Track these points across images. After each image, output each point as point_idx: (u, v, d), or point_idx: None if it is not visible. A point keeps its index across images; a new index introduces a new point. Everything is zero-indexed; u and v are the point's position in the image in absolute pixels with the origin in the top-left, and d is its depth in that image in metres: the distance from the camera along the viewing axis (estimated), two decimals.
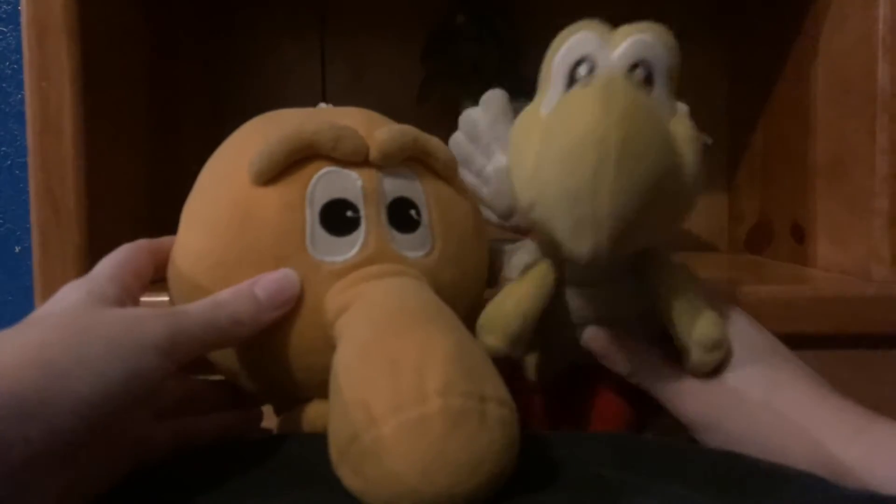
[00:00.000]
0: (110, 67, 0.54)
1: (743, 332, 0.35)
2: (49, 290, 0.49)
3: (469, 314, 0.35)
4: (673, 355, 0.35)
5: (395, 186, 0.34)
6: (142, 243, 0.35)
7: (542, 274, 0.35)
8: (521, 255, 0.39)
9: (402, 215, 0.34)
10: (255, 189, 0.33)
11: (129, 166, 0.57)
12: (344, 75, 0.81)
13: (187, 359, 0.30)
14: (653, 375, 0.35)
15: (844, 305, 0.48)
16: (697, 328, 0.33)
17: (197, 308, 0.30)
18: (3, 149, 0.75)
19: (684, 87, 0.34)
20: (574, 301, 0.36)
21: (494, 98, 0.42)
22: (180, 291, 0.35)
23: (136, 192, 0.57)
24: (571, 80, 0.33)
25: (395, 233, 0.34)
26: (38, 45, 0.48)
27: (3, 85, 0.76)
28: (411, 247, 0.34)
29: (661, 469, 0.29)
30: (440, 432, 0.24)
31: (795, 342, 0.46)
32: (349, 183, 0.33)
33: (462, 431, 0.24)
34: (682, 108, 0.34)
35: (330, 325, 0.31)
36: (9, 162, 0.75)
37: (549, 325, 0.36)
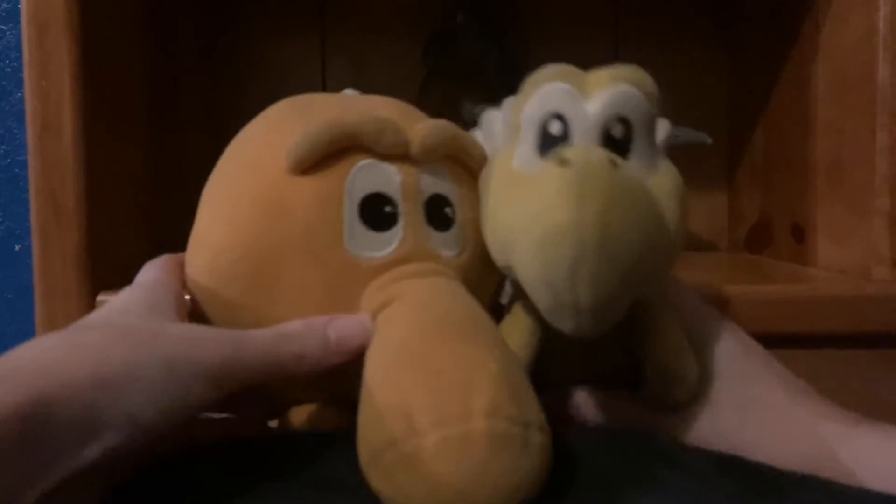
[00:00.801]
0: (110, 66, 0.53)
1: (715, 346, 0.34)
2: (48, 289, 0.49)
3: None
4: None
5: (431, 183, 0.33)
6: (172, 257, 0.34)
7: (528, 327, 0.33)
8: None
9: (437, 213, 0.33)
10: (289, 179, 0.31)
11: (130, 165, 0.57)
12: (344, 74, 0.81)
13: (241, 389, 0.28)
14: (624, 421, 0.35)
15: (844, 305, 0.48)
16: (673, 368, 0.32)
17: (260, 337, 0.29)
18: (3, 147, 0.75)
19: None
20: (555, 344, 0.35)
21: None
22: (199, 291, 0.33)
23: (136, 190, 0.57)
24: (544, 135, 0.32)
25: (431, 231, 0.33)
26: (38, 43, 0.48)
27: (3, 83, 0.76)
28: (445, 245, 0.33)
29: (664, 465, 0.29)
30: (484, 453, 0.24)
31: (795, 342, 0.47)
32: (388, 177, 0.32)
33: (505, 456, 0.24)
34: (658, 133, 0.32)
35: None
36: (8, 160, 0.75)
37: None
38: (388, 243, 0.32)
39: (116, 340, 0.26)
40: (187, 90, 0.70)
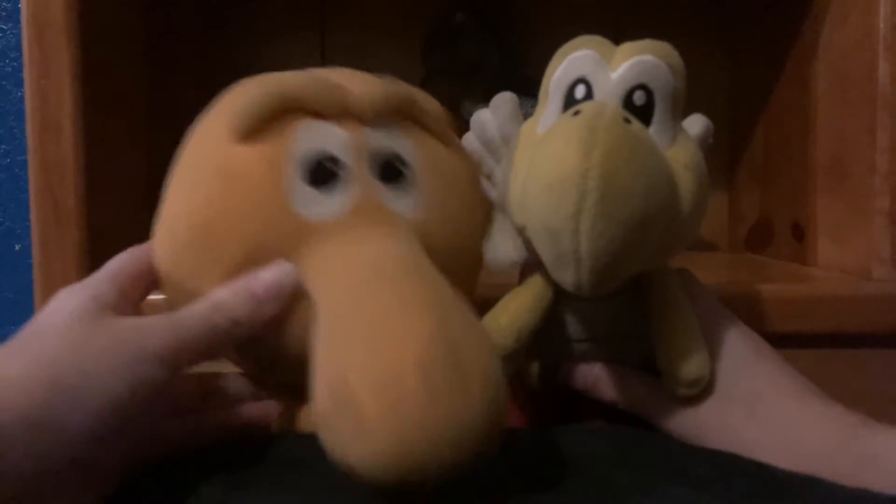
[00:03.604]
0: (110, 65, 0.53)
1: (726, 343, 0.34)
2: (49, 289, 0.49)
3: (469, 273, 0.34)
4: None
5: (381, 141, 0.33)
6: (139, 248, 0.35)
7: (539, 289, 0.34)
8: (498, 237, 0.37)
9: (389, 170, 0.33)
10: (234, 146, 0.31)
11: (129, 164, 0.57)
12: None
13: (190, 364, 0.29)
14: (636, 402, 0.35)
15: (845, 304, 0.48)
16: (683, 367, 0.32)
17: (195, 313, 0.30)
18: (3, 147, 0.75)
19: (685, 86, 0.33)
20: (569, 316, 0.36)
21: (504, 101, 0.41)
22: (164, 257, 0.34)
23: (136, 189, 0.57)
24: (569, 99, 0.32)
25: (381, 187, 0.32)
26: (38, 42, 0.48)
27: (3, 83, 0.76)
28: (399, 201, 0.33)
29: (664, 468, 0.29)
30: (421, 407, 0.24)
31: (795, 341, 0.46)
32: (332, 136, 0.32)
33: (443, 406, 0.24)
34: (695, 126, 0.33)
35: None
36: (8, 160, 0.75)
37: (543, 337, 0.35)
38: (335, 201, 0.31)
39: (62, 339, 0.27)
40: (186, 88, 0.70)
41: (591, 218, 0.27)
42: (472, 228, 0.37)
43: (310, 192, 0.31)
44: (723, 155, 0.79)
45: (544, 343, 0.36)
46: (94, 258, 0.49)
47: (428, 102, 0.35)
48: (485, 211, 0.38)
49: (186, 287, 0.32)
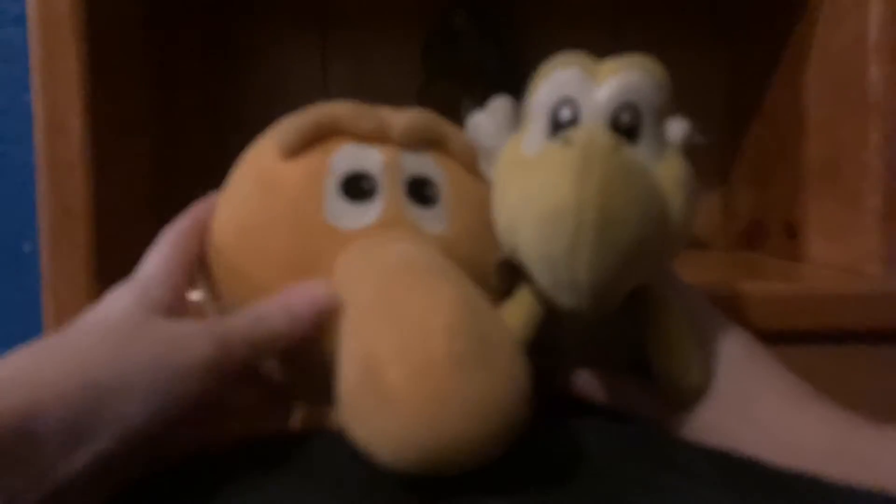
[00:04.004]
0: (116, 67, 0.54)
1: (719, 345, 0.34)
2: (57, 290, 0.49)
3: (490, 293, 0.34)
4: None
5: (413, 164, 0.35)
6: (188, 226, 0.35)
7: (530, 304, 0.34)
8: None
9: (419, 192, 0.35)
10: (279, 163, 0.34)
11: (136, 165, 0.57)
12: (345, 74, 0.81)
13: (230, 378, 0.29)
14: (632, 407, 0.35)
15: (838, 302, 0.48)
16: (682, 377, 0.32)
17: (238, 326, 0.30)
18: (10, 148, 0.76)
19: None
20: (559, 324, 0.35)
21: (500, 106, 0.41)
22: (211, 256, 0.35)
23: (142, 190, 0.58)
24: (554, 120, 0.32)
25: (411, 206, 0.34)
26: (45, 44, 0.48)
27: (10, 84, 0.77)
28: (428, 221, 0.34)
29: (664, 462, 0.29)
30: (446, 374, 0.24)
31: (789, 339, 0.46)
32: (370, 156, 0.34)
33: (467, 375, 0.24)
34: (675, 132, 0.32)
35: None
36: (16, 161, 0.76)
37: (533, 345, 0.34)
38: (366, 214, 0.33)
39: (105, 343, 0.27)
40: (191, 89, 0.70)
41: (589, 249, 0.28)
42: (495, 254, 0.37)
43: (343, 205, 0.33)
44: (717, 154, 0.79)
45: (533, 351, 0.36)
46: (101, 258, 0.50)
47: (457, 133, 0.37)
48: None
49: (229, 281, 0.34)
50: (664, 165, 0.31)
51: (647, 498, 0.26)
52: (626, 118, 0.31)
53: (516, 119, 0.38)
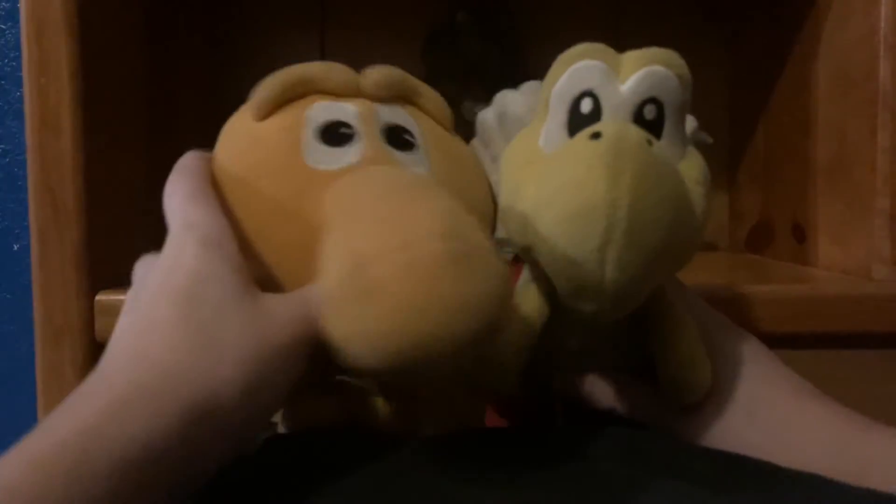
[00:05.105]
0: (110, 64, 0.53)
1: (724, 348, 0.34)
2: (47, 289, 0.48)
3: None
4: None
5: (388, 115, 0.35)
6: (203, 171, 0.34)
7: (538, 306, 0.33)
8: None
9: (398, 138, 0.35)
10: (255, 123, 0.35)
11: (129, 163, 0.57)
12: None
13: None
14: (635, 410, 0.35)
15: (845, 305, 0.48)
16: (688, 377, 0.32)
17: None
18: (2, 146, 0.75)
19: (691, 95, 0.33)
20: (562, 326, 0.34)
21: (534, 88, 0.40)
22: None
23: (135, 189, 0.57)
24: (575, 113, 0.31)
25: (392, 150, 0.34)
26: (37, 41, 0.48)
27: (2, 82, 0.76)
28: (409, 164, 0.34)
29: (665, 465, 0.29)
30: (432, 271, 0.24)
31: (796, 342, 0.46)
32: (344, 109, 0.35)
33: (453, 272, 0.25)
34: (693, 126, 0.32)
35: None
36: (7, 159, 0.75)
37: (538, 347, 0.34)
38: (347, 155, 0.33)
39: (245, 330, 0.26)
40: (186, 87, 0.70)
41: (619, 249, 0.27)
42: (478, 201, 0.37)
43: (323, 149, 0.33)
44: (723, 155, 0.79)
45: (535, 352, 0.35)
46: (93, 257, 0.49)
47: (427, 90, 0.38)
48: (491, 194, 0.38)
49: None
50: (686, 163, 0.31)
51: (649, 501, 0.26)
52: (649, 113, 0.30)
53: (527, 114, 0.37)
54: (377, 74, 0.36)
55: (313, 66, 0.35)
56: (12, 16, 0.70)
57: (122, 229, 0.53)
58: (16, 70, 0.72)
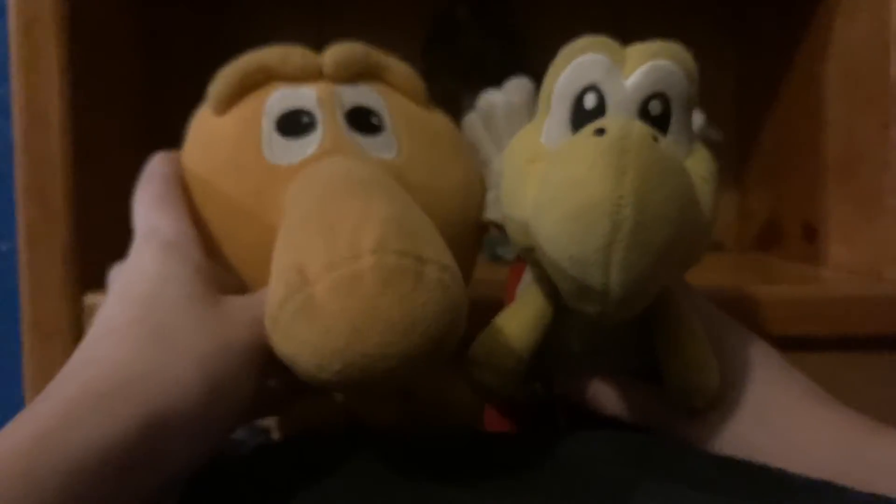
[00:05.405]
0: (101, 60, 0.53)
1: (732, 351, 0.34)
2: (35, 290, 0.48)
3: (449, 228, 0.32)
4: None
5: (352, 96, 0.34)
6: (172, 175, 0.34)
7: (540, 307, 0.33)
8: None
9: (363, 122, 0.34)
10: (216, 118, 0.34)
11: (120, 162, 0.56)
12: None
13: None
14: (640, 414, 0.35)
15: (855, 306, 0.48)
16: (697, 381, 0.31)
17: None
18: None
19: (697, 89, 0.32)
20: (565, 329, 0.34)
21: (519, 87, 0.39)
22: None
23: (126, 188, 0.56)
24: (578, 108, 0.30)
25: (355, 135, 0.33)
26: (26, 36, 0.47)
27: None
28: (376, 149, 0.33)
29: (666, 469, 0.29)
30: (373, 288, 0.24)
31: (805, 344, 0.46)
32: (303, 95, 0.34)
33: (395, 289, 0.24)
34: (700, 123, 0.31)
35: None
36: None
37: (541, 349, 0.34)
38: (306, 147, 0.32)
39: (202, 331, 0.27)
40: (180, 84, 0.69)
41: (624, 249, 0.26)
42: (453, 182, 0.36)
43: (281, 142, 0.33)
44: (732, 153, 0.78)
45: (538, 355, 0.34)
46: (82, 258, 0.49)
47: (396, 64, 0.36)
48: (474, 175, 0.38)
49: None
50: (693, 160, 0.30)
51: (646, 502, 0.26)
52: (655, 108, 0.29)
53: (532, 105, 0.36)
54: (337, 53, 0.35)
55: (270, 52, 0.34)
56: (0, 10, 0.70)
57: (111, 229, 0.52)
58: (3, 65, 0.72)
